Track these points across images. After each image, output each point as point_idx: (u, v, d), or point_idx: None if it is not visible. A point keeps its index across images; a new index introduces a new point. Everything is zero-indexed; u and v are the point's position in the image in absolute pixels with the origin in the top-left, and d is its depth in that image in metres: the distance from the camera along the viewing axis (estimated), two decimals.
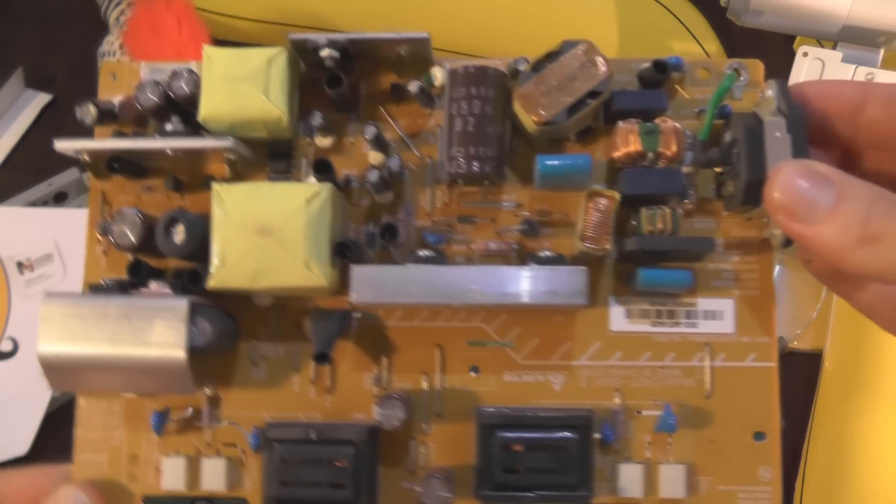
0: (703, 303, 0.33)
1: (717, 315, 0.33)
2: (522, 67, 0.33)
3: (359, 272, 0.30)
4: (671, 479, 0.32)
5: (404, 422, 0.31)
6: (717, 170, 0.34)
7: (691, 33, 0.57)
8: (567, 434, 0.31)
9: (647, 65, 0.34)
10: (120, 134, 0.35)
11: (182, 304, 0.30)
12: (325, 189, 0.31)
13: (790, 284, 0.45)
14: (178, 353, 0.30)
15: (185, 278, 0.32)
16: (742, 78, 0.35)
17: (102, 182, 0.35)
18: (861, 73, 0.45)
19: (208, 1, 0.55)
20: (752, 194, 0.31)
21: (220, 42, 0.59)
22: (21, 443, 0.54)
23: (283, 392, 0.33)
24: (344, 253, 0.31)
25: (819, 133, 0.32)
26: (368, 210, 0.34)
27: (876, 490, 0.33)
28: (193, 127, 0.33)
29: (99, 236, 0.34)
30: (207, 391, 0.33)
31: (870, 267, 0.26)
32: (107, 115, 0.34)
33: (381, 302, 0.30)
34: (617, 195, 0.31)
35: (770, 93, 0.32)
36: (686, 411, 0.33)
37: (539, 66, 0.32)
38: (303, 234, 0.30)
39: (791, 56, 0.48)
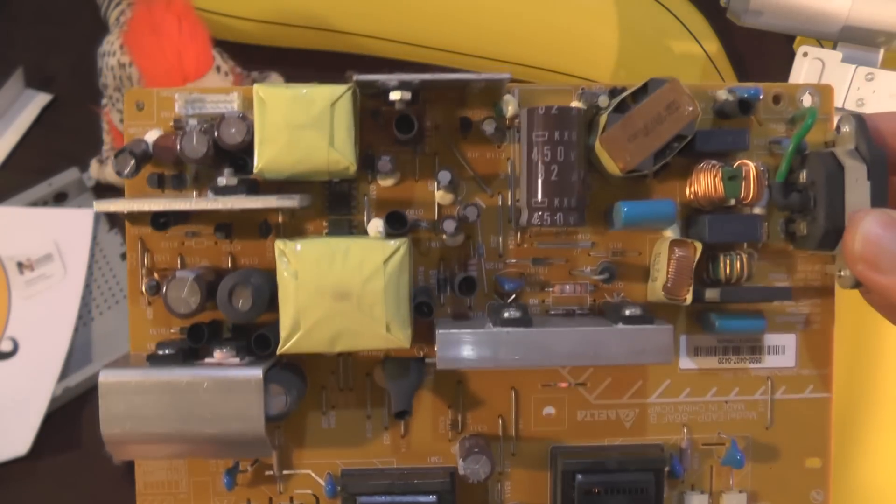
0: (768, 339, 0.34)
1: (779, 350, 0.34)
2: (602, 103, 0.31)
3: (445, 337, 0.29)
4: None
5: (491, 474, 0.31)
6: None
7: (691, 33, 0.56)
8: (644, 476, 0.32)
9: (725, 97, 0.33)
10: (159, 179, 0.32)
11: (256, 375, 0.29)
12: (403, 246, 0.30)
13: None
14: (256, 426, 0.29)
15: (252, 343, 0.30)
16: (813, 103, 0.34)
17: (140, 227, 0.32)
18: (861, 74, 0.44)
19: (208, 1, 0.54)
20: (829, 240, 0.31)
21: (220, 42, 0.55)
22: (21, 443, 0.54)
23: (355, 439, 0.33)
24: (424, 312, 0.30)
25: (892, 166, 0.31)
26: (438, 253, 0.33)
27: (876, 490, 0.35)
28: (243, 173, 0.31)
29: (147, 296, 0.32)
30: (277, 442, 0.32)
31: None
32: (142, 159, 0.31)
33: (466, 367, 0.30)
34: (699, 246, 0.31)
35: (847, 129, 0.31)
36: (747, 442, 0.34)
37: (623, 105, 0.31)
38: (383, 298, 0.29)
39: (791, 56, 0.47)
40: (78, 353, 0.56)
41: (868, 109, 0.46)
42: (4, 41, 0.61)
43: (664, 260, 0.31)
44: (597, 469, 0.32)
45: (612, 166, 0.30)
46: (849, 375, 0.39)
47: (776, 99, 0.34)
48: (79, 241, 0.56)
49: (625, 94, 0.31)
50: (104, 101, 0.57)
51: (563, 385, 0.33)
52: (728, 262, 0.32)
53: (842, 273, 0.33)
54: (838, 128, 0.32)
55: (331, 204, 0.32)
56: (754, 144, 0.33)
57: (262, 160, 0.29)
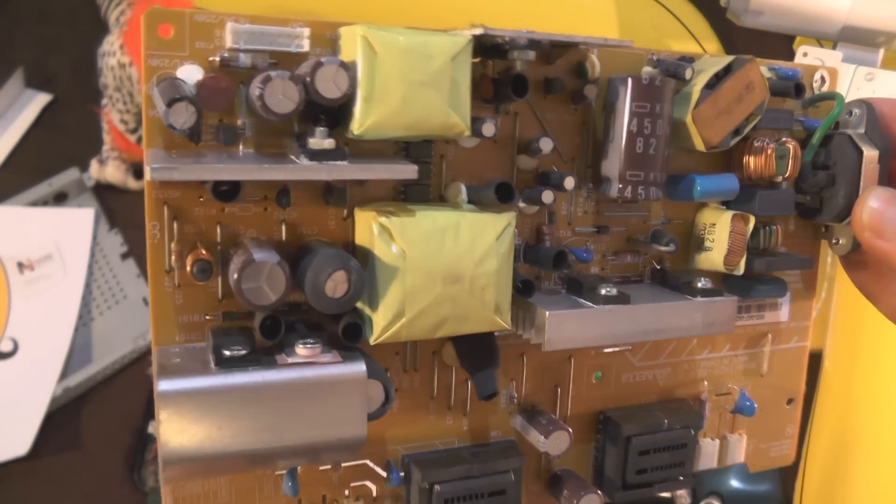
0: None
1: (777, 307, 0.37)
2: (687, 75, 0.30)
3: (555, 319, 0.28)
4: (733, 447, 0.37)
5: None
6: None
7: (691, 33, 0.56)
8: (684, 432, 0.34)
9: (775, 79, 0.34)
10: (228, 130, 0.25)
11: (360, 372, 0.25)
12: (512, 220, 0.27)
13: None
14: (359, 429, 0.26)
15: (343, 334, 0.26)
16: (824, 81, 0.36)
17: (167, 190, 0.26)
18: (861, 74, 0.46)
19: (208, 1, 0.52)
20: (845, 213, 0.34)
21: None
22: (21, 443, 0.53)
23: (414, 421, 0.30)
24: (528, 291, 0.28)
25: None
26: (524, 220, 0.30)
27: (876, 490, 0.39)
28: (339, 132, 0.26)
29: (177, 277, 0.26)
30: None
31: None
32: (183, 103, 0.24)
33: (574, 347, 0.29)
34: (752, 219, 0.32)
35: (857, 113, 0.35)
36: (747, 391, 0.37)
37: (712, 82, 0.30)
38: (495, 280, 0.27)
39: (791, 56, 0.49)
40: (78, 353, 0.56)
41: None
42: (4, 41, 0.60)
43: (723, 232, 0.32)
44: (649, 430, 0.33)
45: (698, 143, 0.30)
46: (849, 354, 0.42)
47: (798, 89, 0.35)
48: (79, 240, 0.57)
49: (716, 70, 0.30)
50: (104, 101, 0.57)
51: (612, 350, 0.34)
52: (769, 232, 0.34)
53: (838, 241, 0.36)
54: (850, 111, 0.35)
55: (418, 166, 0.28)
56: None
57: (369, 120, 0.25)
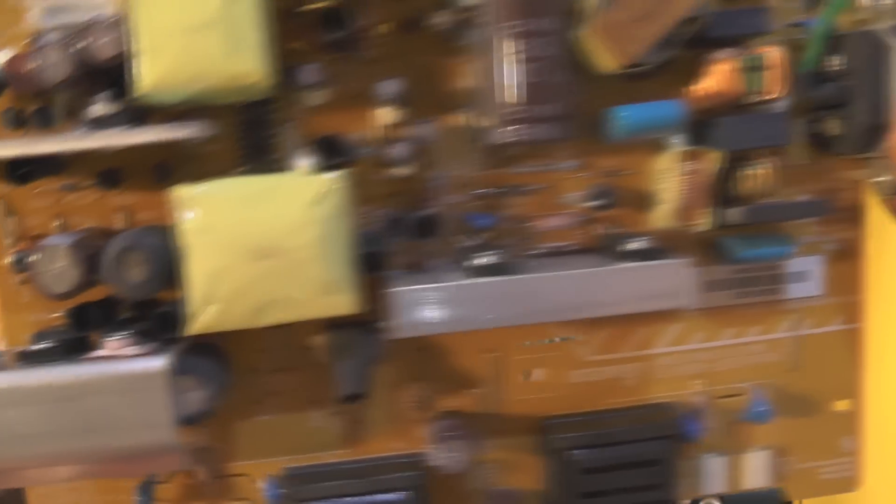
0: (791, 264, 0.28)
1: (803, 276, 0.28)
2: None
3: (402, 297, 0.23)
4: (756, 467, 0.28)
5: (469, 461, 0.25)
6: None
7: None
8: (655, 445, 0.26)
9: None
10: (16, 115, 0.23)
11: (159, 367, 0.22)
12: (339, 182, 0.22)
13: None
14: (167, 433, 0.22)
15: (154, 324, 0.23)
16: None
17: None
18: None
19: None
20: (871, 139, 0.25)
21: None
22: None
23: (299, 430, 0.26)
24: (372, 265, 0.23)
25: None
26: (386, 187, 0.25)
27: (877, 489, 0.32)
28: (125, 98, 0.22)
29: (17, 272, 0.24)
30: (203, 442, 0.26)
31: None
32: None
33: (432, 332, 0.23)
34: (717, 155, 0.25)
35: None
36: (771, 390, 0.28)
37: None
38: (318, 252, 0.22)
39: None
40: None
41: None
42: None
43: (674, 176, 0.25)
44: (597, 443, 0.26)
45: (609, 62, 0.24)
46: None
47: None
48: None
49: None
50: None
51: (552, 341, 0.27)
52: (749, 175, 0.26)
53: (882, 179, 0.27)
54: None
55: (245, 135, 0.25)
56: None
57: (147, 78, 0.21)
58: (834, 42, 0.26)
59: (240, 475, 0.26)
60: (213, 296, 0.22)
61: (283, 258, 0.22)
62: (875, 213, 0.28)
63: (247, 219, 0.22)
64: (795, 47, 0.27)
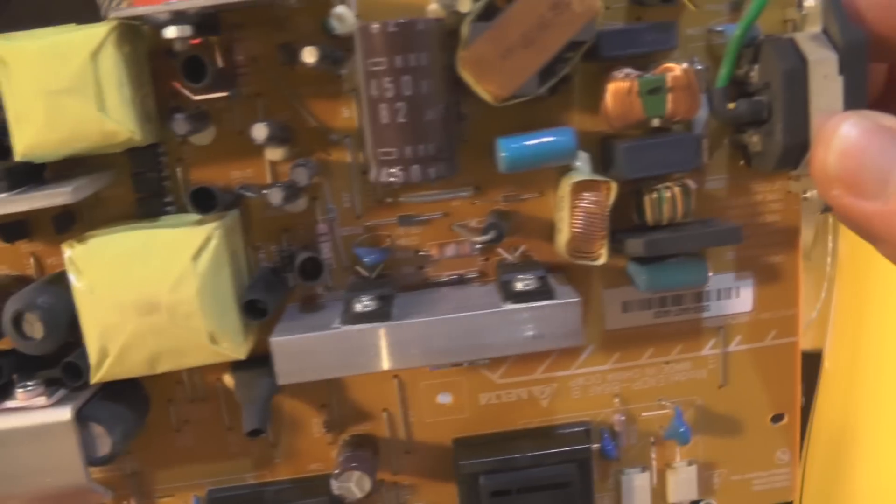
0: (716, 281, 0.27)
1: (732, 293, 0.27)
2: (462, 7, 0.22)
3: (281, 347, 0.23)
4: (682, 482, 0.28)
5: (371, 489, 0.25)
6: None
7: None
8: (564, 468, 0.26)
9: None
10: None
11: (64, 417, 0.23)
12: (216, 233, 0.23)
13: None
14: (77, 477, 0.23)
15: (63, 372, 0.24)
16: None
17: None
18: None
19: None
20: (791, 158, 0.23)
21: None
22: None
23: (219, 454, 0.27)
24: (256, 313, 0.23)
25: (871, 49, 0.23)
26: (278, 222, 0.25)
27: (876, 490, 0.30)
28: (9, 157, 0.23)
29: None
30: (130, 468, 0.27)
31: None
32: None
33: (314, 379, 0.23)
34: (613, 185, 0.23)
35: (812, 2, 0.23)
36: (697, 407, 0.28)
37: (492, 9, 0.22)
38: (199, 305, 0.22)
39: None
40: None
41: None
42: None
43: (568, 207, 0.24)
44: (505, 468, 0.26)
45: (484, 94, 0.22)
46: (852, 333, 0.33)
47: None
48: None
49: None
50: None
51: (457, 366, 0.27)
52: (655, 199, 0.24)
53: (808, 195, 0.25)
54: (800, 3, 0.23)
55: (138, 180, 0.25)
56: (688, 35, 0.25)
57: (23, 143, 0.22)
58: (755, 52, 0.24)
59: (167, 496, 0.27)
60: (106, 350, 0.23)
61: (168, 313, 0.22)
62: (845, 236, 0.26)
63: (130, 276, 0.22)
64: (716, 53, 0.25)
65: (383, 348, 0.23)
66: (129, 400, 0.25)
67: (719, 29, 0.25)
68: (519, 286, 0.23)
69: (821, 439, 0.34)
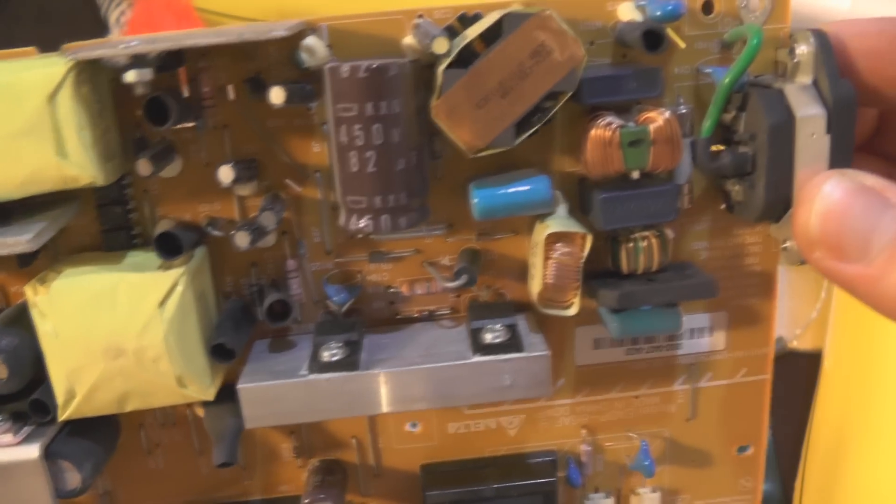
0: (689, 321, 0.27)
1: (705, 332, 0.27)
2: (438, 48, 0.21)
3: (248, 394, 0.23)
4: None
5: None
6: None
7: None
8: (532, 500, 0.27)
9: (631, 15, 0.23)
10: None
11: (32, 456, 0.23)
12: (182, 279, 0.22)
13: (790, 283, 0.38)
14: None
15: (29, 412, 0.24)
16: (761, 10, 0.24)
17: None
18: None
19: (208, 1, 0.50)
20: (772, 212, 0.23)
21: None
22: None
23: (190, 476, 0.27)
24: (224, 355, 0.23)
25: (861, 97, 0.22)
26: (248, 256, 0.25)
27: (875, 490, 0.31)
28: None
29: None
30: (103, 488, 0.27)
31: None
32: None
33: (281, 424, 0.23)
34: (588, 238, 0.23)
35: (803, 51, 0.22)
36: (665, 439, 0.28)
37: (468, 54, 0.21)
38: (166, 350, 0.22)
39: None
40: None
41: None
42: (4, 41, 0.59)
43: (541, 256, 0.23)
44: (471, 498, 0.26)
45: (458, 142, 0.22)
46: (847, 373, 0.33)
47: (707, 7, 0.23)
48: None
49: (468, 40, 0.21)
50: None
51: None
52: (632, 249, 0.24)
53: (788, 245, 0.25)
54: (792, 49, 0.22)
55: (103, 214, 0.24)
56: (675, 74, 0.24)
57: None
58: (743, 98, 0.23)
59: None
60: (74, 391, 0.23)
61: (135, 357, 0.22)
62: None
63: (96, 321, 0.22)
64: (704, 94, 0.24)
65: (351, 397, 0.23)
66: (97, 432, 0.25)
67: (707, 70, 0.24)
68: (488, 338, 0.23)
69: (820, 439, 0.35)
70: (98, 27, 0.56)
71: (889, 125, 0.25)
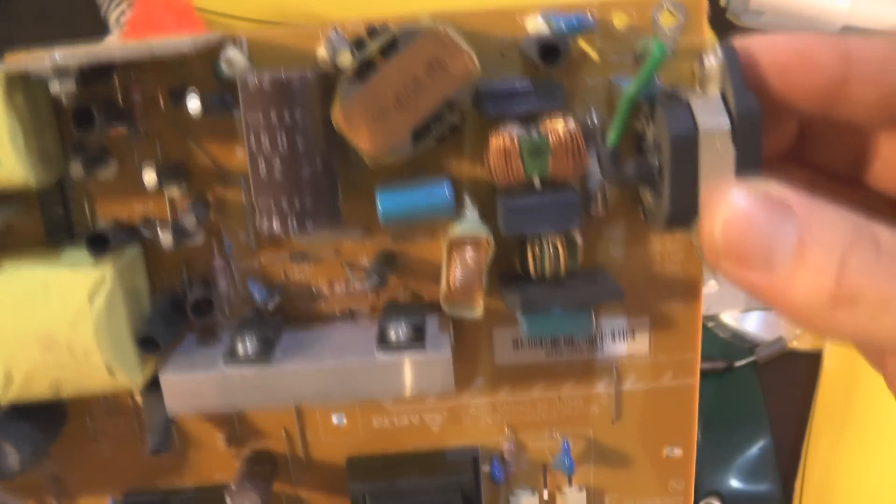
0: (608, 325, 0.27)
1: (626, 336, 0.28)
2: (342, 62, 0.23)
3: (169, 382, 0.24)
4: (570, 501, 0.29)
5: None
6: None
7: None
8: (448, 497, 0.28)
9: (537, 26, 0.24)
10: None
11: None
12: (109, 274, 0.24)
13: None
14: None
15: None
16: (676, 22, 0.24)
17: None
18: None
19: (208, 1, 0.51)
20: (678, 222, 0.23)
21: None
22: None
23: (134, 462, 0.29)
24: (152, 347, 0.25)
25: (775, 111, 0.23)
26: (179, 255, 0.26)
27: (875, 490, 0.31)
28: None
29: None
30: (50, 470, 0.29)
31: (845, 331, 0.20)
32: None
33: (201, 412, 0.25)
34: (490, 242, 0.24)
35: (712, 62, 0.22)
36: (589, 440, 0.29)
37: (368, 68, 0.22)
38: (96, 340, 0.24)
39: None
40: None
41: None
42: (4, 41, 0.57)
43: (445, 264, 0.24)
44: (390, 492, 0.27)
45: (359, 150, 0.23)
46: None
47: (619, 20, 0.24)
48: None
49: (365, 55, 0.22)
50: None
51: None
52: (538, 255, 0.25)
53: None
54: (702, 61, 0.23)
55: (44, 214, 0.26)
56: (588, 85, 0.25)
57: None
58: (652, 109, 0.23)
59: (84, 499, 0.30)
60: (11, 376, 0.25)
61: (67, 347, 0.24)
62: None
63: (31, 313, 0.24)
64: (616, 106, 0.25)
65: (262, 390, 0.24)
66: (39, 417, 0.27)
67: (618, 83, 0.25)
68: (392, 335, 0.24)
69: (820, 439, 0.35)
70: (98, 27, 0.56)
71: (809, 135, 0.25)
